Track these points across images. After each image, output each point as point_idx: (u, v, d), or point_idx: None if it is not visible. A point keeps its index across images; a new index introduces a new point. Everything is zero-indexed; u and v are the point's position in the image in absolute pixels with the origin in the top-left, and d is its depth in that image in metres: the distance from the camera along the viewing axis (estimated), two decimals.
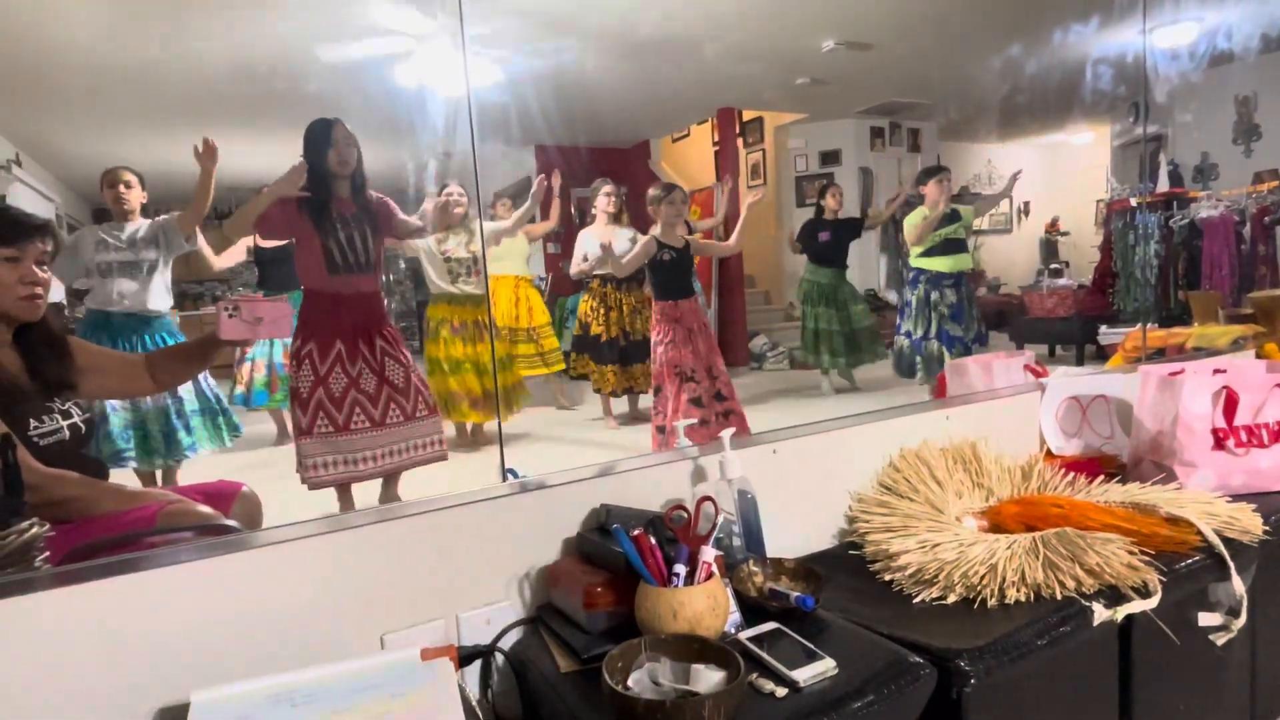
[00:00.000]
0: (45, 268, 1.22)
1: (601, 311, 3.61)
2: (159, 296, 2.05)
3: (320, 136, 2.09)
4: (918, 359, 3.81)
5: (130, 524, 1.16)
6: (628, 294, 3.61)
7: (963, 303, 3.78)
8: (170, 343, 2.04)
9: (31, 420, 1.17)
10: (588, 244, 3.64)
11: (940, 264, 3.78)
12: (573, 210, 5.01)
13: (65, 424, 1.22)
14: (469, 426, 3.05)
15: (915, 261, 3.84)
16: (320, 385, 2.08)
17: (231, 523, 1.23)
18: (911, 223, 3.85)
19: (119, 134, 2.65)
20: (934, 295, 3.76)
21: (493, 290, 3.58)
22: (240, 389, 2.59)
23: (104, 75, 2.50)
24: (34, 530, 0.95)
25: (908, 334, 3.85)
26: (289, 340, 2.26)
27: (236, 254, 2.39)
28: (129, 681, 0.93)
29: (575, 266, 3.71)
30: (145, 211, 2.06)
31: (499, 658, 1.12)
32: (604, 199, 3.66)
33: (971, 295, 3.86)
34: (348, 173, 2.13)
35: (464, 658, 1.08)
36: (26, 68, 2.31)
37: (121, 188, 2.00)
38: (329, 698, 0.87)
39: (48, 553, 0.96)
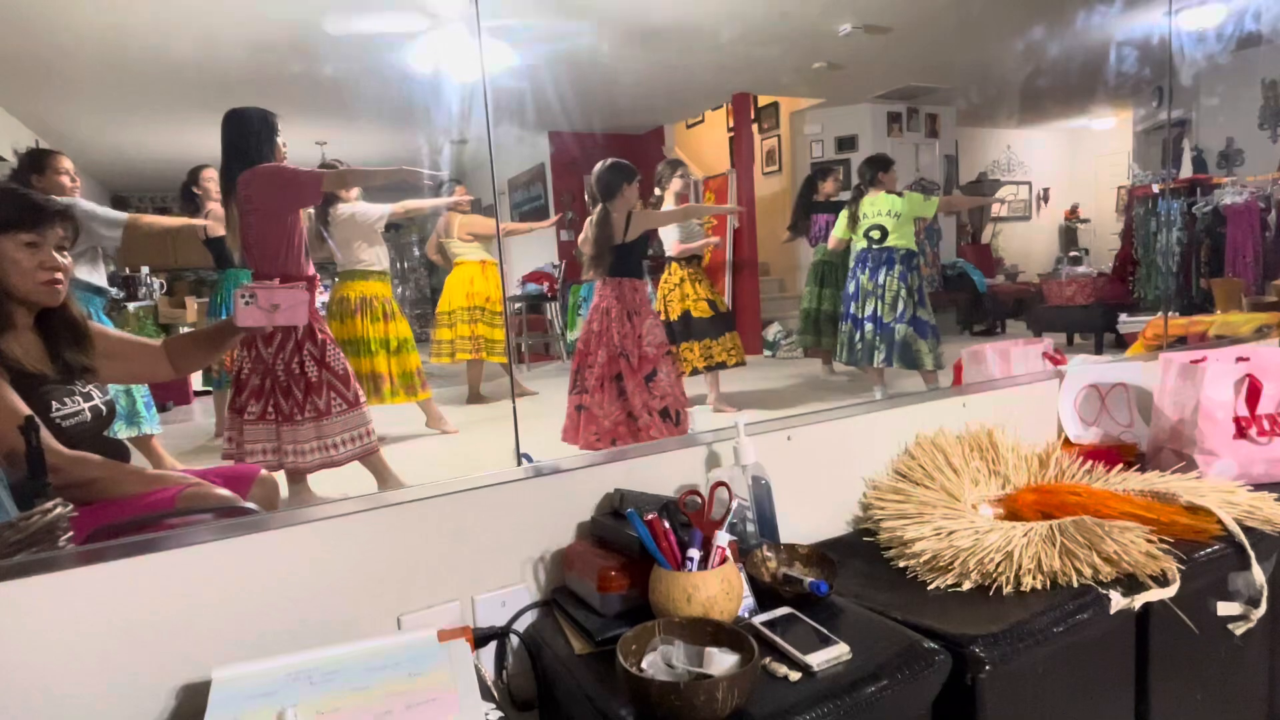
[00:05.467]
0: (65, 253, 1.23)
1: (679, 291, 3.70)
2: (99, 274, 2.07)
3: (268, 127, 2.07)
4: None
5: (151, 505, 1.18)
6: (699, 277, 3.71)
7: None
8: (103, 321, 2.03)
9: (54, 403, 1.19)
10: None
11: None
12: (586, 196, 5.00)
13: (87, 406, 1.23)
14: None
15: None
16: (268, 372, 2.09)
17: (250, 505, 1.24)
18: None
19: (135, 120, 2.66)
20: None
21: (455, 271, 3.55)
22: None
23: (120, 61, 2.51)
24: (58, 510, 0.96)
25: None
26: None
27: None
28: (151, 659, 0.95)
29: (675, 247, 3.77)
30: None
31: (514, 639, 1.13)
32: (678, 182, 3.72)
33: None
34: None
35: (479, 639, 1.09)
36: (45, 55, 2.32)
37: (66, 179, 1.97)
38: (347, 676, 0.88)
39: (72, 533, 0.98)
